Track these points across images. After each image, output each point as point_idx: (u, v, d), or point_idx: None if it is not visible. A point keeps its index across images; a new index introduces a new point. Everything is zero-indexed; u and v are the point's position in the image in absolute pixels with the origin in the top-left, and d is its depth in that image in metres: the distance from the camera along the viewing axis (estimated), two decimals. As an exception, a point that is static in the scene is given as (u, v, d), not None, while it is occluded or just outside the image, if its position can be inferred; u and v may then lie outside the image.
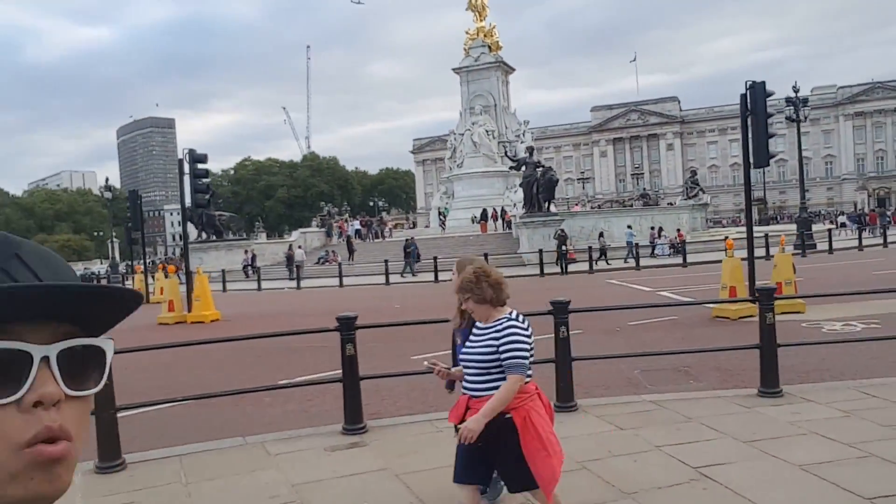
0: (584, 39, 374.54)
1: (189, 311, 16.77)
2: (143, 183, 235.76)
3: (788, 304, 12.15)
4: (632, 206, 56.89)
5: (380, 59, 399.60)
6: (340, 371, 6.91)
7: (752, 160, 12.36)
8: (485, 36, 52.20)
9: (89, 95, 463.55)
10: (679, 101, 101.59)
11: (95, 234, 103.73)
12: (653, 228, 36.31)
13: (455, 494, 4.87)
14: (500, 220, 40.62)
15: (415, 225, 67.49)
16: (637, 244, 30.84)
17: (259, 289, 30.17)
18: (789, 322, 11.62)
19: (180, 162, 16.85)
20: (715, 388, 7.78)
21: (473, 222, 44.58)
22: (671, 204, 50.67)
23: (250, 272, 34.33)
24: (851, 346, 9.05)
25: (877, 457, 4.92)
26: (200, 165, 16.83)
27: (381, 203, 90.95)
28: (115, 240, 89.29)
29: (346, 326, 6.50)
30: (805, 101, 29.93)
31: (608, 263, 29.75)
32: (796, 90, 29.65)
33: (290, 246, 39.27)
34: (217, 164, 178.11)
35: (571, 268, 28.43)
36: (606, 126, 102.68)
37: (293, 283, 31.09)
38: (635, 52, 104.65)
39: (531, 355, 3.60)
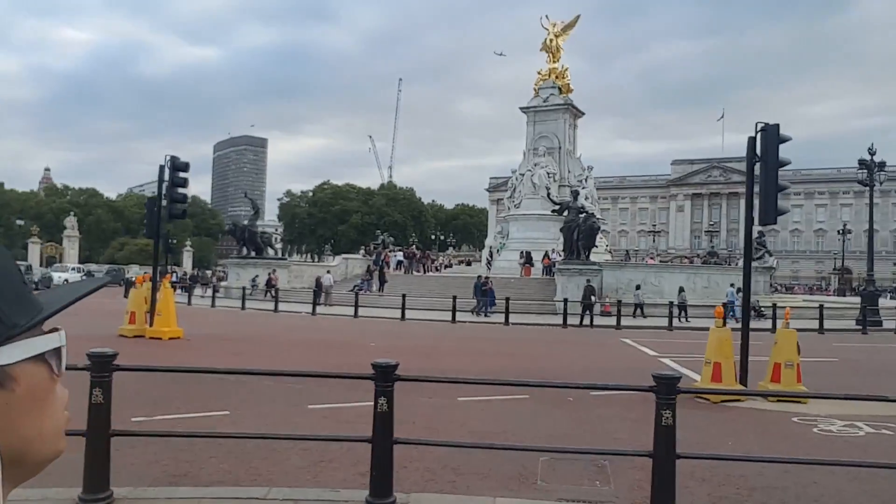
0: (675, 93, 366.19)
1: (150, 325, 15.74)
2: (232, 197, 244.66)
3: (786, 391, 10.02)
4: (702, 263, 53.87)
5: (468, 97, 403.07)
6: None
7: (756, 217, 10.32)
8: (556, 77, 50.79)
9: (191, 110, 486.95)
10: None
11: (172, 241, 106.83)
12: (732, 285, 33.82)
13: None
14: (535, 265, 38.80)
15: (470, 263, 65.96)
16: (682, 304, 28.53)
17: (275, 310, 29.27)
18: (778, 413, 9.52)
19: (161, 168, 15.98)
20: (602, 502, 5.93)
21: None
22: (727, 263, 47.39)
23: (269, 293, 33.58)
24: (838, 455, 6.93)
25: None
26: (181, 174, 15.93)
27: (442, 237, 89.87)
28: (190, 247, 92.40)
29: (99, 367, 5.06)
30: (882, 165, 27.00)
31: (687, 321, 27.23)
32: (872, 152, 26.76)
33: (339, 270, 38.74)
34: (303, 185, 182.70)
35: (601, 321, 26.29)
36: (686, 180, 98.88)
37: (318, 309, 30.24)
38: (723, 109, 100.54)
39: None
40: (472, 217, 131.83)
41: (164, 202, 15.84)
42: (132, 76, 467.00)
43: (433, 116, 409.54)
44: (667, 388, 5.08)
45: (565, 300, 25.59)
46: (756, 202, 11.14)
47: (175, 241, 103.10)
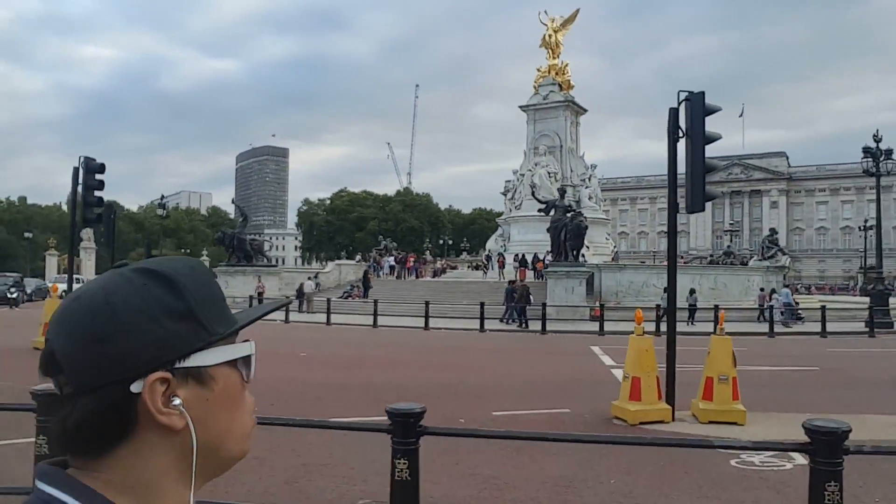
0: (694, 90, 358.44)
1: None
2: (255, 207, 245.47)
3: (718, 411, 8.42)
4: (708, 262, 51.80)
5: (484, 101, 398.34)
6: None
7: (684, 202, 8.75)
8: (556, 74, 49.10)
9: (213, 122, 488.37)
10: (787, 158, 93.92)
11: (184, 251, 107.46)
12: (762, 290, 31.66)
13: None
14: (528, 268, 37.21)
15: (479, 267, 64.48)
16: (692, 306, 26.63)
17: (249, 320, 28.09)
18: (702, 439, 7.87)
19: (75, 170, 14.76)
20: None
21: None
22: (744, 264, 45.24)
23: (254, 302, 32.44)
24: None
25: None
26: (97, 176, 14.71)
27: (451, 242, 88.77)
28: (206, 257, 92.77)
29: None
30: (889, 152, 24.92)
31: (692, 324, 25.12)
32: (878, 139, 24.66)
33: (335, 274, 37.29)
34: (325, 194, 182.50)
35: (588, 326, 24.64)
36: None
37: (296, 316, 29.10)
38: (743, 105, 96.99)
39: None
40: (489, 221, 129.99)
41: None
42: (155, 91, 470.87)
43: (451, 121, 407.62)
44: (403, 429, 3.58)
45: (543, 305, 23.94)
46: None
47: (188, 251, 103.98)
